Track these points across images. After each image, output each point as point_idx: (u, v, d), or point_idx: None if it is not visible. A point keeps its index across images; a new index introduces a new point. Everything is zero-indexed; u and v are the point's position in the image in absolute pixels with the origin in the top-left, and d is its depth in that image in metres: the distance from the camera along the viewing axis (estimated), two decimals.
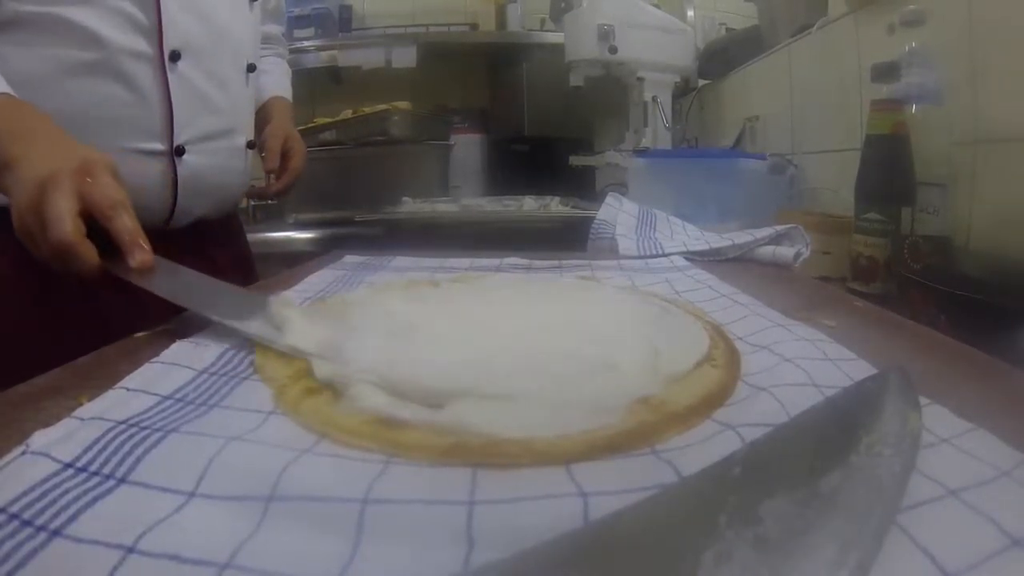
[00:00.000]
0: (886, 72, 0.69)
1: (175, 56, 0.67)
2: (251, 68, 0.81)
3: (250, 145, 0.81)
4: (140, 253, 0.44)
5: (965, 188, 0.66)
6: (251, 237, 1.28)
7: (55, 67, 0.60)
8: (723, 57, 1.42)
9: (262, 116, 0.91)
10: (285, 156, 0.89)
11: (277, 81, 0.99)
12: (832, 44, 0.97)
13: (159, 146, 0.67)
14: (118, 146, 0.63)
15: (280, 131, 0.90)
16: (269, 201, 1.21)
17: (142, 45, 0.64)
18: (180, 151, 0.68)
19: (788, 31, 1.12)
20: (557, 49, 1.49)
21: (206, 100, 0.71)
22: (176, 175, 0.69)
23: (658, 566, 0.17)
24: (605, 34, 1.30)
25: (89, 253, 0.43)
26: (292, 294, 0.51)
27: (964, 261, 0.64)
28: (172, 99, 0.67)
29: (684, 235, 0.77)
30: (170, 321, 0.43)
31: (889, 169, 0.67)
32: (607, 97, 1.58)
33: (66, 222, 0.42)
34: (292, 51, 1.73)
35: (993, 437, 0.24)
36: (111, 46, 0.62)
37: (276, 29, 1.02)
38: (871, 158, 0.70)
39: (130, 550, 0.18)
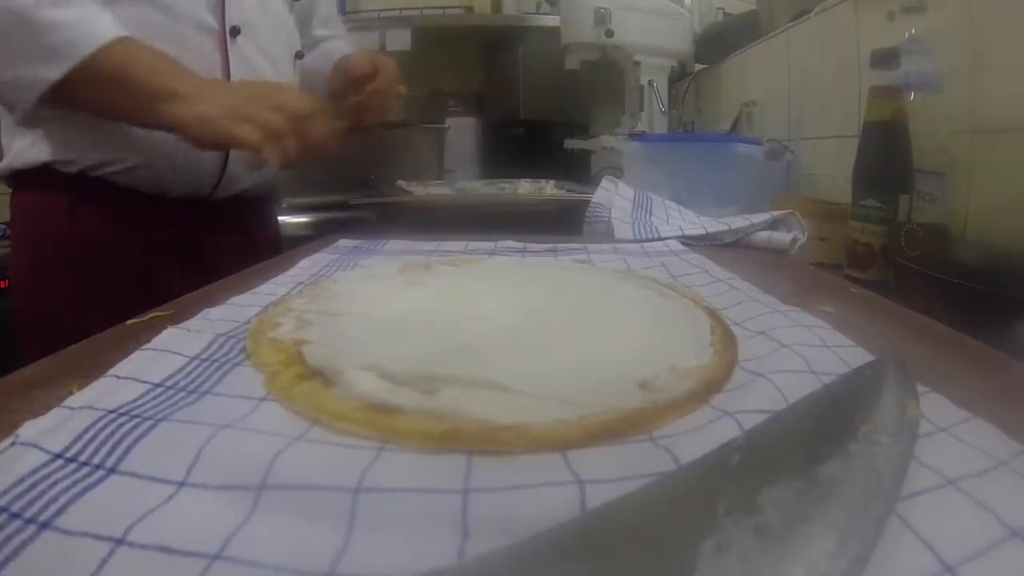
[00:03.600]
0: (885, 59, 0.68)
1: (235, 31, 0.71)
2: (299, 55, 0.86)
3: None
4: None
5: (963, 177, 0.66)
6: None
7: (133, 30, 0.61)
8: (720, 42, 1.41)
9: (338, 71, 0.89)
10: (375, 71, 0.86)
11: (348, 47, 0.98)
12: (831, 30, 0.96)
13: None
14: None
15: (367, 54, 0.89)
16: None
17: (208, 18, 0.69)
18: None
19: (786, 16, 1.12)
20: (553, 32, 1.47)
21: (260, 76, 0.74)
22: None
23: (657, 556, 0.16)
24: (601, 17, 1.29)
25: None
26: (286, 278, 0.51)
27: (961, 249, 0.64)
28: (231, 71, 0.71)
29: (680, 219, 0.77)
30: (162, 308, 0.42)
31: (887, 156, 0.67)
32: (603, 81, 1.57)
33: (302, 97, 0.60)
34: None
35: (991, 426, 0.24)
36: (182, 16, 0.67)
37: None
38: (869, 145, 0.69)
39: (120, 542, 0.17)
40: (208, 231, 0.77)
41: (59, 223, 0.67)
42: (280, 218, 1.32)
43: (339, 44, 0.97)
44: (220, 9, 0.70)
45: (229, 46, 0.71)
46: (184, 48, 0.65)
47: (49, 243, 0.68)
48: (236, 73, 0.71)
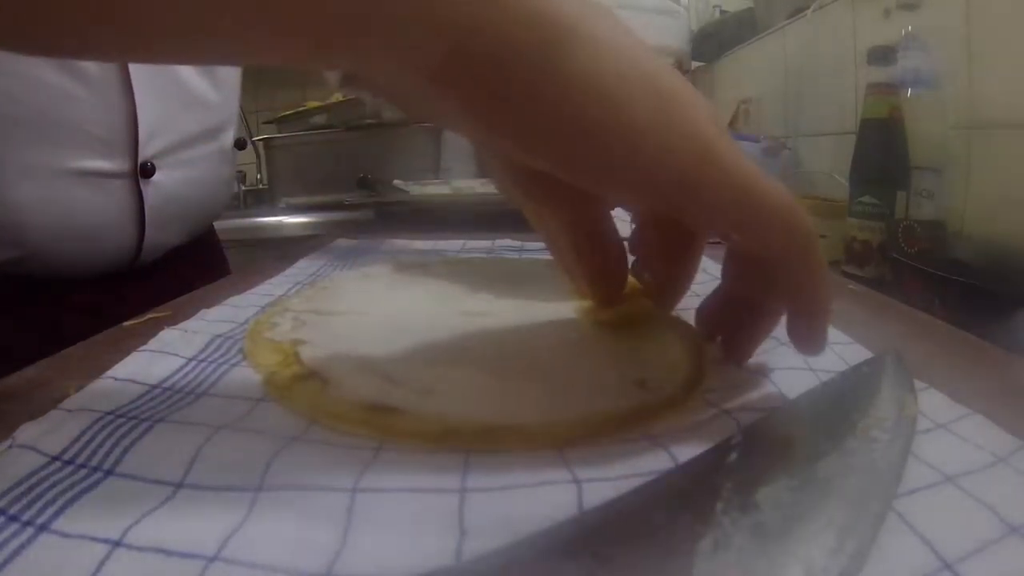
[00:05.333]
0: (882, 56, 0.68)
1: (148, 170, 0.49)
2: (240, 145, 0.64)
3: (239, 144, 0.64)
4: None
5: (960, 173, 0.66)
6: (241, 222, 1.28)
7: None
8: (717, 39, 1.41)
9: None
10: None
11: None
12: (827, 27, 0.96)
13: (115, 165, 0.47)
14: (58, 166, 0.44)
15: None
16: None
17: (104, 162, 0.46)
18: (148, 170, 0.49)
19: (783, 13, 1.12)
20: None
21: (186, 89, 0.52)
22: (142, 203, 0.49)
23: (655, 554, 0.16)
24: None
25: None
26: (283, 278, 0.51)
27: (958, 246, 0.64)
28: (135, 91, 0.46)
29: None
30: (159, 308, 0.42)
31: (884, 153, 0.67)
32: None
33: None
34: None
35: (989, 423, 0.24)
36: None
37: None
38: (866, 142, 0.69)
39: (117, 544, 0.17)
40: (133, 294, 0.52)
41: None
42: (277, 219, 1.32)
43: None
44: (131, 142, 0.46)
45: (143, 186, 0.48)
46: (58, 65, 0.43)
47: None
48: (146, 93, 0.47)
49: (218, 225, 0.76)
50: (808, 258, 0.24)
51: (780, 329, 0.35)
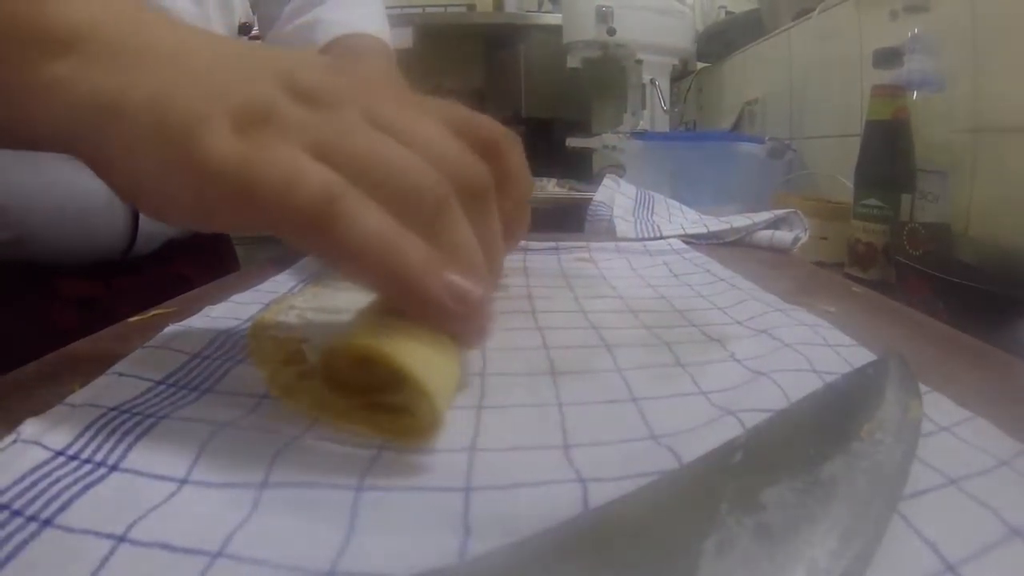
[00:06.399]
0: (888, 58, 0.68)
1: None
2: (244, 29, 0.59)
3: None
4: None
5: (965, 176, 0.66)
6: None
7: None
8: (722, 40, 1.41)
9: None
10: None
11: (352, 14, 0.58)
12: (833, 28, 0.96)
13: None
14: None
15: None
16: None
17: None
18: None
19: (789, 15, 1.11)
20: (555, 30, 1.47)
21: None
22: None
23: (659, 554, 0.16)
24: (603, 15, 1.29)
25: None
26: (287, 275, 0.51)
27: (963, 249, 0.63)
28: None
29: (682, 218, 0.76)
30: (164, 305, 0.42)
31: (889, 155, 0.67)
32: (605, 79, 1.57)
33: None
34: None
35: (992, 426, 0.24)
36: None
37: None
38: (871, 144, 0.69)
39: (121, 539, 0.17)
40: (128, 287, 0.53)
41: None
42: None
43: (338, 13, 0.58)
44: None
45: None
46: None
47: None
48: None
49: None
50: (315, 228, 0.23)
51: (781, 330, 0.35)
